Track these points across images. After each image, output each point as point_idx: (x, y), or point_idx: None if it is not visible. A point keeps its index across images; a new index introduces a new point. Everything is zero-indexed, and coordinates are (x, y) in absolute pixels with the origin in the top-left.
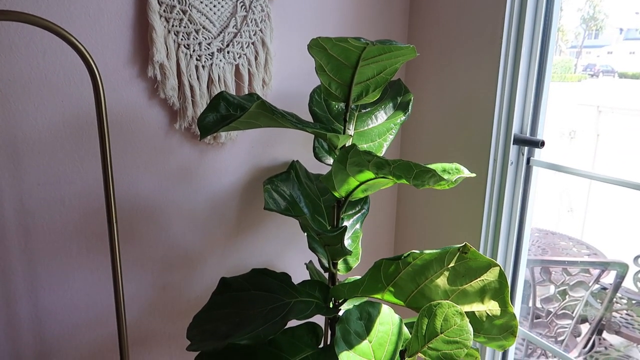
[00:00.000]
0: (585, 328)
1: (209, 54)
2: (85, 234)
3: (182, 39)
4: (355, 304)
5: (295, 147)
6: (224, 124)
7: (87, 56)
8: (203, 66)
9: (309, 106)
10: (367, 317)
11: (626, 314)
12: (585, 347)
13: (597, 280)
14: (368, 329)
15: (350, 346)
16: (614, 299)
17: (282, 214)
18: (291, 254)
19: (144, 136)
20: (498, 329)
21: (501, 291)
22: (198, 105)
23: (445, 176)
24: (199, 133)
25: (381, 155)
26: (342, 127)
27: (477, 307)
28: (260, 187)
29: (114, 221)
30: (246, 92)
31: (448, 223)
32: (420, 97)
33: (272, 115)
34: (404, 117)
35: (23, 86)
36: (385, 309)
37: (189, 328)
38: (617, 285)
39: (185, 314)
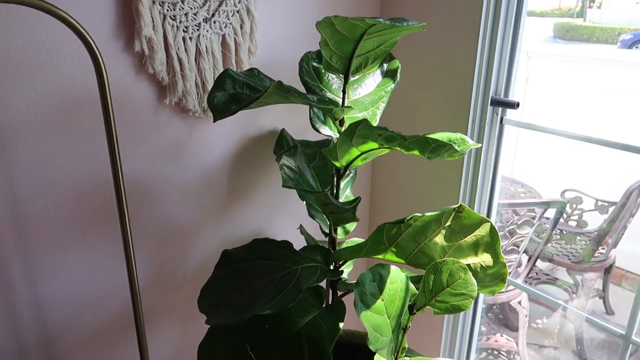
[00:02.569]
0: (525, 259)
1: (195, 25)
2: (80, 217)
3: (167, 10)
4: (368, 269)
5: (279, 115)
6: (241, 107)
7: (84, 33)
8: (190, 38)
9: (300, 76)
10: (379, 279)
11: (556, 243)
12: (527, 275)
13: (540, 218)
14: (380, 289)
15: (367, 306)
16: (552, 234)
17: (296, 189)
18: (279, 221)
19: (132, 113)
20: (490, 277)
21: (493, 244)
22: (188, 78)
23: (458, 148)
24: (190, 108)
25: (375, 124)
26: (335, 97)
27: (471, 260)
28: (249, 157)
29: (124, 202)
30: (233, 63)
31: (428, 180)
32: (401, 63)
33: (285, 94)
34: (393, 85)
35: (2, 67)
36: (394, 269)
37: (199, 302)
38: (556, 221)
39: (182, 288)
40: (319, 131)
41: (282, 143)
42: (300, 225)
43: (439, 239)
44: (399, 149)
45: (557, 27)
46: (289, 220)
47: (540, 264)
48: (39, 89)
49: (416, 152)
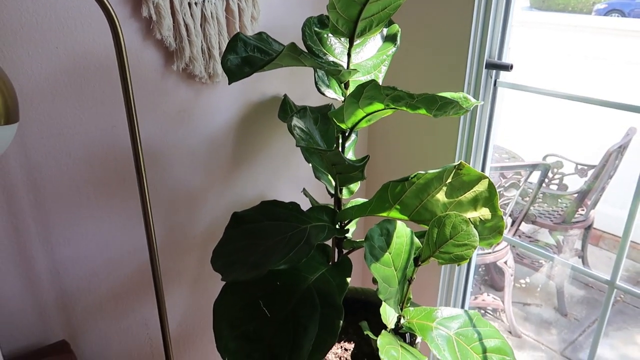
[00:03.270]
0: (509, 222)
1: None
2: (93, 183)
3: None
4: (376, 224)
5: (280, 82)
6: (256, 69)
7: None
8: (196, 3)
9: (303, 41)
10: (387, 233)
11: (538, 206)
12: (512, 237)
13: (525, 181)
14: (388, 243)
15: (376, 259)
16: (537, 195)
17: (307, 148)
18: (281, 184)
19: (140, 79)
20: (488, 230)
21: (491, 199)
22: (194, 44)
23: (464, 105)
24: (196, 74)
25: None
26: (340, 60)
27: (471, 214)
28: (252, 122)
29: (142, 166)
30: (237, 28)
31: (425, 142)
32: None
33: (298, 56)
34: (394, 49)
35: (14, 33)
36: (399, 224)
37: (212, 262)
38: (541, 182)
39: (191, 251)
40: (324, 94)
41: (286, 108)
42: (304, 189)
43: (441, 196)
44: (404, 108)
45: None
46: (292, 184)
47: (523, 227)
48: (51, 55)
49: (422, 111)
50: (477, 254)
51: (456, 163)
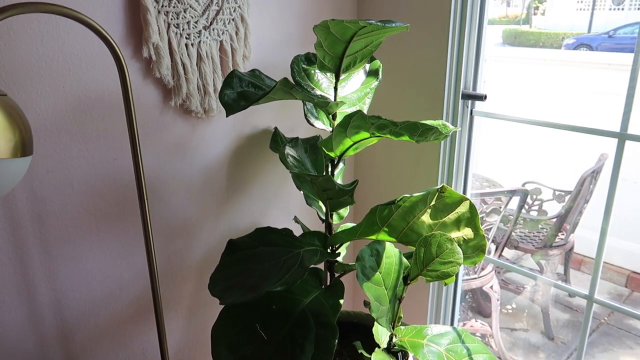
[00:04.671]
0: (493, 248)
1: (196, 32)
2: (95, 215)
3: (171, 19)
4: (367, 245)
5: (270, 116)
6: (251, 102)
7: (107, 36)
8: (192, 44)
9: (292, 76)
10: (377, 254)
11: (520, 232)
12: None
13: (506, 205)
14: (378, 262)
15: (367, 278)
16: (517, 220)
17: (298, 176)
18: (273, 212)
19: (140, 115)
20: (472, 249)
21: (472, 219)
22: (191, 81)
23: (443, 131)
24: (193, 109)
25: None
26: (327, 94)
27: (455, 234)
28: (245, 154)
29: (145, 198)
30: (230, 66)
31: (409, 170)
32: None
33: (290, 90)
34: (376, 83)
35: (25, 74)
36: (388, 245)
37: (210, 287)
38: (521, 207)
39: (187, 279)
40: (313, 125)
41: (277, 139)
42: (295, 216)
43: (426, 217)
44: (389, 136)
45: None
46: (284, 212)
47: (507, 254)
48: (57, 94)
49: (405, 138)
50: (464, 279)
51: (438, 186)
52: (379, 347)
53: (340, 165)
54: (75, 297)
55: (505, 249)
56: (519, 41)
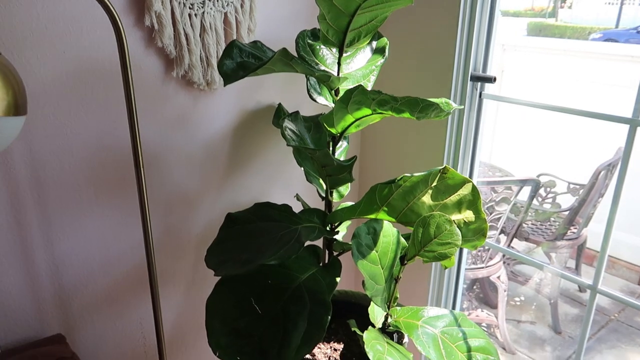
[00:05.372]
0: (503, 238)
1: (200, 3)
2: (94, 182)
3: None
4: (364, 223)
5: (274, 92)
6: (249, 72)
7: (108, 5)
8: (195, 14)
9: (297, 51)
10: (374, 232)
11: (532, 224)
12: (505, 255)
13: (517, 195)
14: (375, 241)
15: (363, 256)
16: (528, 210)
17: (299, 151)
18: (274, 189)
19: (142, 85)
20: (472, 232)
21: (474, 202)
22: (193, 52)
23: (445, 108)
24: (195, 81)
25: None
26: (331, 70)
27: (455, 217)
28: (247, 129)
29: (141, 168)
30: (234, 39)
31: (414, 151)
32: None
33: (289, 61)
34: (382, 60)
35: (24, 38)
36: (386, 224)
37: (206, 259)
38: (532, 198)
39: (187, 252)
40: (315, 101)
41: (280, 115)
42: (297, 194)
43: (426, 198)
44: (390, 113)
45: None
46: (284, 189)
47: (518, 245)
48: (57, 59)
49: (406, 114)
50: (470, 267)
51: (440, 167)
52: (374, 326)
53: (344, 144)
54: (73, 264)
55: (516, 240)
56: (543, 34)
